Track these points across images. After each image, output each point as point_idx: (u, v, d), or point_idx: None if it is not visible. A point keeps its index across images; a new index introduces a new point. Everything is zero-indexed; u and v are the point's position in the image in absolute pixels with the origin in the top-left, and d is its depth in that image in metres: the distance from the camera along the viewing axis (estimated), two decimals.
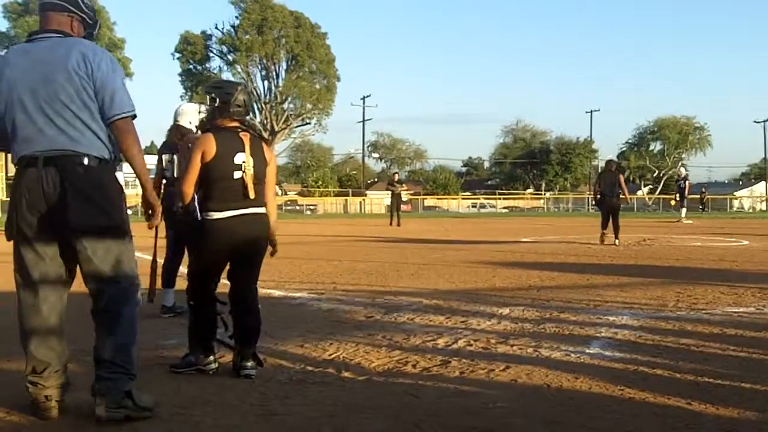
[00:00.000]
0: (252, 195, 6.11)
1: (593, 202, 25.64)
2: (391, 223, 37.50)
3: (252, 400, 5.47)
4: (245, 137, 6.17)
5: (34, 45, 5.01)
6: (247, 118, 6.40)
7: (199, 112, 6.94)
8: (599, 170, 65.66)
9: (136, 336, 5.05)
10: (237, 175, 6.07)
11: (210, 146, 6.03)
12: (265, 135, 74.13)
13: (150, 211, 5.21)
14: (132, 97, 5.02)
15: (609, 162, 24.78)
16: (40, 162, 4.83)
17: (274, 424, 4.96)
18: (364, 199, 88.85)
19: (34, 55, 4.94)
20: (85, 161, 4.85)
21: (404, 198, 46.31)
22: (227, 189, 6.06)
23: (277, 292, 10.83)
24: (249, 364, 6.14)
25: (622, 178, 23.16)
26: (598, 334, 7.86)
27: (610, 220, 22.64)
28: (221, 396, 5.58)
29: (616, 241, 22.40)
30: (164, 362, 6.53)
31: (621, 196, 22.94)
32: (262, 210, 6.25)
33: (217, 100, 6.23)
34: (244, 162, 6.09)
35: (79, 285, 5.08)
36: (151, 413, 4.97)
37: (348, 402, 5.41)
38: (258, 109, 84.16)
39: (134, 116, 4.99)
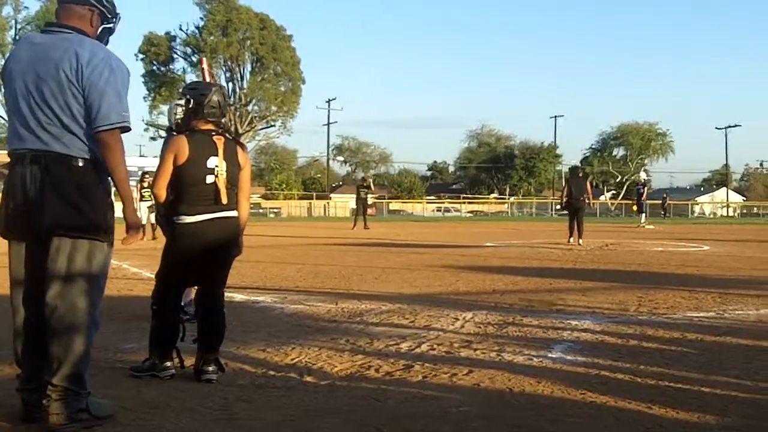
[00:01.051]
0: (224, 200, 6.06)
1: (558, 206, 26.36)
2: (354, 226, 37.44)
3: (213, 405, 5.43)
4: (219, 141, 6.11)
5: (43, 37, 4.95)
6: (224, 120, 6.35)
7: (175, 113, 6.90)
8: (563, 176, 66.05)
9: (89, 358, 4.92)
10: (209, 179, 6.02)
11: (183, 149, 5.98)
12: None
13: (128, 229, 5.12)
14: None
15: (575, 168, 25.54)
16: (27, 159, 4.76)
17: (236, 429, 4.93)
18: (328, 203, 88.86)
19: (36, 48, 4.87)
20: (70, 161, 4.76)
21: (369, 201, 46.19)
22: (199, 193, 6.01)
23: (239, 296, 10.78)
24: (211, 368, 6.10)
25: (588, 184, 23.96)
26: (560, 338, 7.90)
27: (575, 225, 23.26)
28: (182, 400, 5.53)
29: (580, 241, 23.44)
30: (124, 366, 6.47)
31: (586, 200, 23.76)
32: (233, 213, 6.20)
33: (192, 101, 6.20)
34: (216, 166, 6.04)
35: None
36: (109, 420, 4.92)
37: (310, 406, 5.40)
38: None
39: (125, 128, 4.87)
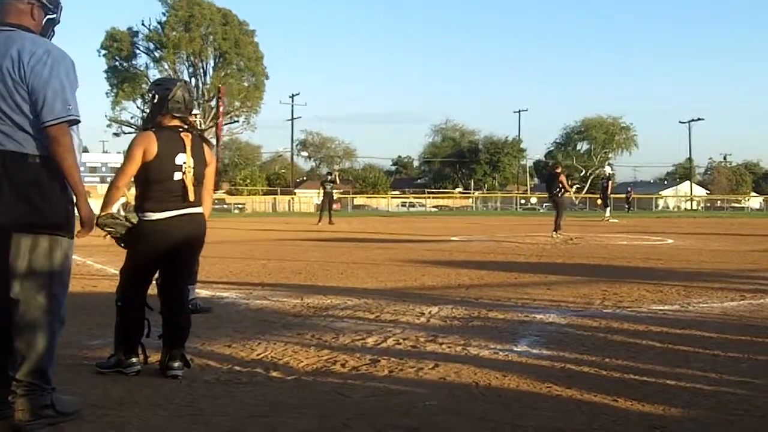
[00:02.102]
0: (192, 197, 6.04)
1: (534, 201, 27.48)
2: (319, 221, 37.40)
3: (179, 401, 5.41)
4: (187, 137, 6.07)
5: None
6: (194, 117, 6.30)
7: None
8: (528, 170, 66.34)
9: (55, 354, 4.90)
10: (177, 176, 5.99)
11: (151, 145, 5.94)
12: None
13: (82, 224, 5.07)
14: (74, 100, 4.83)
15: (554, 164, 26.71)
16: None
17: (202, 424, 4.90)
18: (292, 198, 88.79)
19: None
20: (25, 158, 4.70)
21: (335, 197, 46.29)
22: (166, 190, 5.98)
23: (204, 292, 10.71)
24: (176, 364, 6.07)
25: (563, 178, 24.76)
26: (525, 332, 7.91)
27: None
28: (148, 396, 5.50)
29: (553, 233, 24.23)
30: (89, 362, 6.43)
31: (566, 193, 25.52)
32: (200, 210, 6.19)
33: (156, 96, 6.16)
34: (184, 163, 6.01)
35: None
36: (75, 416, 4.89)
37: (276, 401, 5.38)
38: None
39: (72, 121, 4.80)
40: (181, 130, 6.10)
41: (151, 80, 6.65)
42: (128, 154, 6.06)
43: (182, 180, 5.99)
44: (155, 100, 6.15)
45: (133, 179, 6.09)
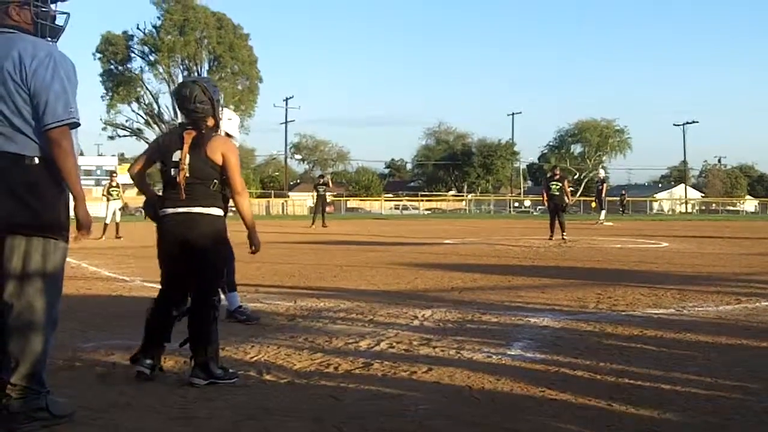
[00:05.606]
0: (183, 195, 6.01)
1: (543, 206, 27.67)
2: (312, 224, 37.38)
3: (172, 404, 5.39)
4: (188, 135, 6.07)
5: None
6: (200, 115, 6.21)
7: (229, 119, 6.92)
8: (521, 173, 66.26)
9: (47, 357, 4.90)
10: (173, 173, 6.05)
11: (155, 144, 6.20)
12: None
13: (79, 227, 5.05)
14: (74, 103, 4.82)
15: (553, 169, 27.52)
16: None
17: (195, 428, 4.89)
18: (286, 201, 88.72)
19: None
20: (23, 161, 4.71)
21: (328, 199, 46.25)
22: (169, 188, 6.10)
23: None
24: (195, 371, 5.94)
25: (566, 183, 26.29)
26: (519, 336, 7.89)
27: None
28: (141, 399, 5.48)
29: (564, 236, 24.90)
30: (83, 365, 6.42)
31: (565, 199, 26.12)
32: (198, 210, 6.07)
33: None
34: (180, 160, 6.02)
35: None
36: (68, 419, 4.87)
37: (269, 405, 5.36)
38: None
39: (74, 125, 4.81)
40: (189, 127, 6.13)
41: (179, 86, 6.40)
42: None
43: (177, 177, 6.00)
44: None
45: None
